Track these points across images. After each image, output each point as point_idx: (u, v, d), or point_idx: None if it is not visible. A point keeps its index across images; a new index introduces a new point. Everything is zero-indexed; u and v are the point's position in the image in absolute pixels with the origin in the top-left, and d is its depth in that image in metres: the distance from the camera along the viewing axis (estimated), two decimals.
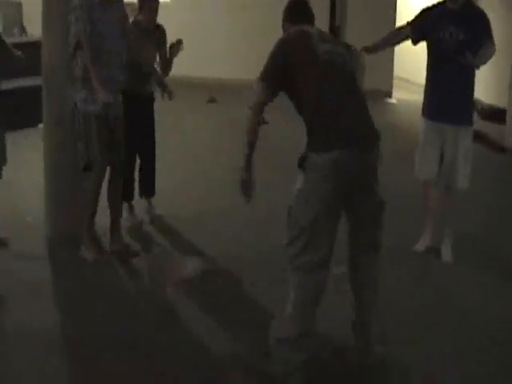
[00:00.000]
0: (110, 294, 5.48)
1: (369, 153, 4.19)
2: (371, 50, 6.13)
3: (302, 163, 4.05)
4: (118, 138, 6.03)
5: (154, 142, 6.95)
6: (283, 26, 4.51)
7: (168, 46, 6.75)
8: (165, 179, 7.47)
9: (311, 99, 4.06)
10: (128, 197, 6.82)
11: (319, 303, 4.14)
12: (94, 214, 6.07)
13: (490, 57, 5.92)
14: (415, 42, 6.23)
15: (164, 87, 6.84)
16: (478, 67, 5.90)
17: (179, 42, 6.67)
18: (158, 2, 6.67)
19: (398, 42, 6.40)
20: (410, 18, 6.20)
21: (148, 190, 7.04)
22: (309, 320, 4.13)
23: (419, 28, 6.11)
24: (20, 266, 5.88)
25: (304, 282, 4.07)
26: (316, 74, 4.07)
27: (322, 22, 14.78)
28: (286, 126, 11.46)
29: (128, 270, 5.94)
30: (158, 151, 7.04)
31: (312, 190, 4.00)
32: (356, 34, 15.27)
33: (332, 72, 4.12)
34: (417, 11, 6.21)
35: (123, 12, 6.09)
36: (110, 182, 6.18)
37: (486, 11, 6.14)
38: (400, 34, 6.32)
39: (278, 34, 4.49)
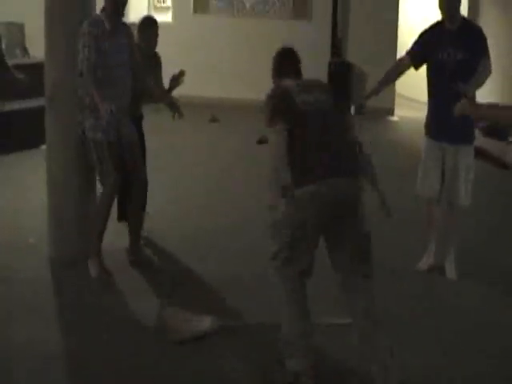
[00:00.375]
0: (112, 318, 5.40)
1: (348, 186, 4.41)
2: (375, 92, 6.30)
3: (285, 193, 4.30)
4: (134, 161, 6.13)
5: (144, 162, 6.94)
6: (272, 78, 4.87)
7: (171, 77, 6.75)
8: (164, 198, 7.47)
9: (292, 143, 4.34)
10: (122, 216, 6.83)
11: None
12: (103, 230, 6.09)
13: (485, 79, 5.94)
14: (417, 67, 6.26)
15: (175, 108, 6.73)
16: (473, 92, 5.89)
17: (182, 74, 6.68)
18: (158, 28, 6.71)
19: (400, 75, 6.39)
20: (411, 32, 6.22)
21: None
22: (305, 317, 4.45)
23: (418, 54, 6.17)
24: (22, 287, 5.85)
25: (289, 288, 4.40)
26: (296, 124, 4.36)
27: (323, 35, 15.04)
28: None
29: (132, 292, 5.87)
30: (158, 170, 7.04)
31: (291, 218, 4.30)
32: (358, 47, 15.36)
33: (311, 121, 4.38)
34: (417, 25, 6.23)
35: (131, 39, 6.13)
36: (130, 199, 6.29)
37: (484, 28, 6.16)
38: (400, 67, 6.34)
39: None
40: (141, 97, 6.54)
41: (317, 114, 4.40)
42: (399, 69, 6.36)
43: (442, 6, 6.00)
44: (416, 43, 6.22)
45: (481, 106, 4.45)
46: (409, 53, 6.24)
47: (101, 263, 6.06)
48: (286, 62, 4.85)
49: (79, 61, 5.71)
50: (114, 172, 5.92)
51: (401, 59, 6.36)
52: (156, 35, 6.75)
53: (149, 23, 6.80)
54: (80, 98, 5.86)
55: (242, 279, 6.07)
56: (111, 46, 5.79)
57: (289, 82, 4.64)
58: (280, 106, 4.47)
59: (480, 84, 5.89)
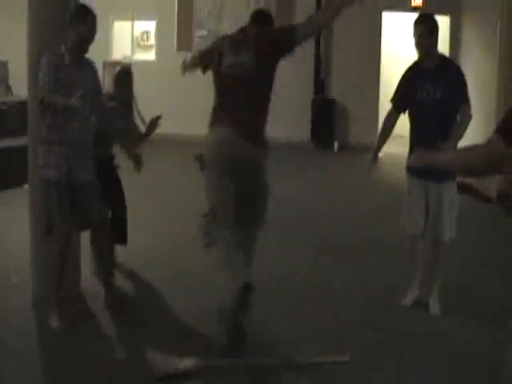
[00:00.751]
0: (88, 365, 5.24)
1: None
2: (377, 152, 6.40)
3: None
4: (85, 204, 5.87)
5: (122, 194, 6.91)
6: None
7: (148, 121, 6.72)
8: (144, 238, 7.44)
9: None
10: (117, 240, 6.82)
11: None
12: (60, 277, 5.87)
13: (466, 128, 5.99)
14: (404, 112, 6.28)
15: (137, 160, 6.74)
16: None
17: (158, 118, 6.68)
18: (131, 77, 6.90)
19: (393, 126, 6.39)
20: (395, 67, 6.25)
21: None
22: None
23: (400, 101, 6.21)
24: (2, 328, 5.77)
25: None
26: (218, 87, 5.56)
27: (307, 75, 15.12)
28: (270, 183, 11.64)
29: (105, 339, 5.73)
30: (139, 209, 7.01)
31: None
32: (341, 87, 15.48)
33: (231, 84, 5.45)
34: (399, 62, 6.26)
35: (95, 78, 5.99)
36: (91, 241, 6.18)
37: (466, 56, 6.20)
38: (391, 119, 6.33)
39: None
40: (109, 139, 6.55)
41: (238, 79, 5.38)
42: (390, 122, 6.34)
43: (417, 45, 6.04)
44: (396, 91, 6.25)
45: (436, 154, 3.83)
46: (392, 101, 6.28)
47: (64, 310, 5.86)
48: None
49: (39, 89, 5.60)
50: (60, 221, 5.74)
51: (389, 112, 6.34)
52: (130, 84, 6.84)
53: (123, 74, 6.95)
54: (39, 128, 5.77)
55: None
56: (70, 80, 5.64)
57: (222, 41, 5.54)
58: (207, 62, 5.61)
59: (461, 135, 5.94)
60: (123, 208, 6.91)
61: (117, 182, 6.83)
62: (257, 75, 5.41)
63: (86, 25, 5.68)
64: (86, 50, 5.82)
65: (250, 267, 5.51)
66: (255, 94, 5.52)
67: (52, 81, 5.54)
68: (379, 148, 6.41)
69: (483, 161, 3.06)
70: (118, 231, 6.82)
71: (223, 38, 5.68)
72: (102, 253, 6.24)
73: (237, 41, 5.44)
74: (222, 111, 5.47)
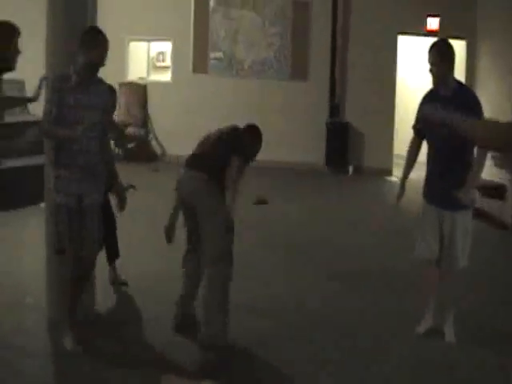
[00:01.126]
0: None
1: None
2: (404, 180, 6.37)
3: None
4: (89, 227, 5.74)
5: (112, 213, 6.97)
6: None
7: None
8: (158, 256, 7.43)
9: None
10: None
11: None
12: (74, 300, 5.84)
13: (482, 169, 5.96)
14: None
15: (122, 200, 6.38)
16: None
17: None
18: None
19: (418, 153, 6.38)
20: (410, 90, 6.23)
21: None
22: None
23: (421, 129, 6.18)
24: (15, 350, 5.73)
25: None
26: None
27: (321, 95, 15.15)
28: (285, 206, 11.64)
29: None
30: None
31: None
32: (356, 111, 15.48)
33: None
34: (416, 86, 6.23)
35: (107, 100, 5.89)
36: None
37: (482, 81, 6.17)
38: (414, 146, 6.33)
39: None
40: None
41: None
42: (414, 148, 6.34)
43: (431, 72, 6.03)
44: (416, 117, 6.24)
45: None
46: (413, 128, 6.29)
47: (74, 336, 5.78)
48: None
49: (42, 115, 5.57)
50: (70, 246, 5.67)
51: (412, 139, 6.34)
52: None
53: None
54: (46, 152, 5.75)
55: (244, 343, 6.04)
56: (77, 102, 5.54)
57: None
58: None
59: (478, 177, 5.95)
60: (114, 224, 6.97)
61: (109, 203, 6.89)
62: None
63: (96, 50, 5.56)
64: (95, 74, 5.70)
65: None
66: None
67: (54, 109, 5.48)
68: (406, 175, 6.40)
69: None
70: (112, 247, 6.90)
71: None
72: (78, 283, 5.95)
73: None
74: None
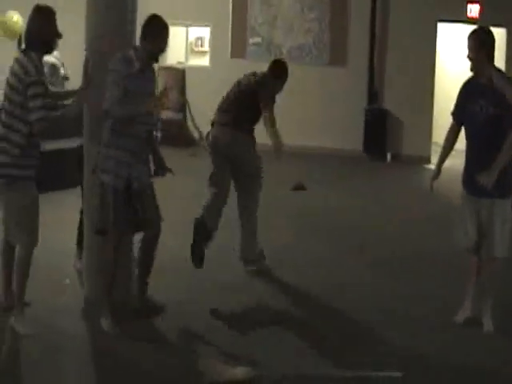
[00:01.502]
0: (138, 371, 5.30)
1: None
2: (439, 167, 6.35)
3: None
4: (145, 211, 5.89)
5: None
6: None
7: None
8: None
9: None
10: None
11: None
12: (111, 282, 5.90)
13: None
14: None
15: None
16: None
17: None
18: None
19: (456, 140, 6.32)
20: (450, 78, 6.14)
21: None
22: None
23: (459, 115, 6.14)
24: (55, 331, 5.80)
25: None
26: None
27: (360, 82, 15.07)
28: (323, 193, 11.60)
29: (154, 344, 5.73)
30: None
31: None
32: (395, 98, 15.37)
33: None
34: (455, 73, 6.15)
35: (155, 83, 6.11)
36: (142, 246, 6.14)
37: None
38: (452, 133, 6.27)
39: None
40: None
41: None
42: (452, 135, 6.27)
43: (468, 59, 5.97)
44: (455, 105, 6.18)
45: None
46: (452, 115, 6.23)
47: (113, 317, 5.85)
48: None
49: (107, 99, 5.65)
50: (114, 227, 5.76)
51: (450, 126, 6.27)
52: None
53: None
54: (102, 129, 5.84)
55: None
56: (137, 87, 5.73)
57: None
58: None
59: (505, 160, 5.81)
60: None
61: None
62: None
63: (160, 38, 5.80)
64: (156, 61, 5.92)
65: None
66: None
67: (120, 93, 5.60)
68: (442, 162, 6.35)
69: None
70: None
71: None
72: (146, 259, 6.17)
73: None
74: None
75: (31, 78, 5.41)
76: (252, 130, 7.33)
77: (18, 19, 12.60)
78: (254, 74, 7.45)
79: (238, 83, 7.46)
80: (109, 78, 5.68)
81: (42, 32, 5.57)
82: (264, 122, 7.12)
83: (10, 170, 5.55)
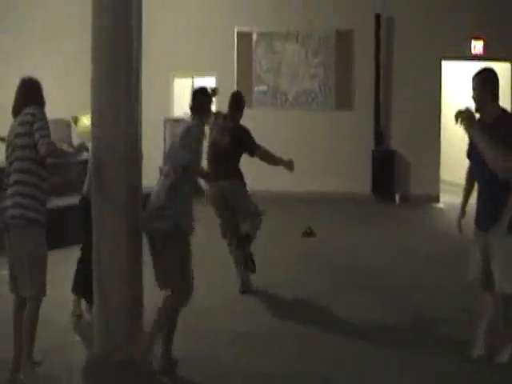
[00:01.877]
0: None
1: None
2: (464, 208, 6.43)
3: None
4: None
5: None
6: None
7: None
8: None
9: None
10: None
11: None
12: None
13: None
14: None
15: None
16: None
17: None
18: None
19: (475, 181, 6.36)
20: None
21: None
22: None
23: (471, 155, 6.15)
24: None
25: None
26: None
27: (366, 124, 15.11)
28: (333, 237, 11.57)
29: None
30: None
31: None
32: (401, 137, 15.40)
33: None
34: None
35: None
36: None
37: None
38: (470, 173, 6.36)
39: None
40: None
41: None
42: (470, 175, 6.36)
43: (474, 100, 5.99)
44: (468, 146, 6.19)
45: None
46: (467, 156, 6.25)
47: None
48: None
49: (190, 160, 6.04)
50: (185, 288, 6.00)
51: (469, 166, 6.35)
52: None
53: None
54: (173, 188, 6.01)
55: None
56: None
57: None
58: None
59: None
60: None
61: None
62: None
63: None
64: None
65: None
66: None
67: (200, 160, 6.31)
68: (466, 202, 6.42)
69: None
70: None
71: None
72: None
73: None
74: None
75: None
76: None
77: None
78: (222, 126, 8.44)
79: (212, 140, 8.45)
80: (186, 141, 6.07)
81: None
82: (265, 160, 8.42)
83: (28, 212, 5.56)
